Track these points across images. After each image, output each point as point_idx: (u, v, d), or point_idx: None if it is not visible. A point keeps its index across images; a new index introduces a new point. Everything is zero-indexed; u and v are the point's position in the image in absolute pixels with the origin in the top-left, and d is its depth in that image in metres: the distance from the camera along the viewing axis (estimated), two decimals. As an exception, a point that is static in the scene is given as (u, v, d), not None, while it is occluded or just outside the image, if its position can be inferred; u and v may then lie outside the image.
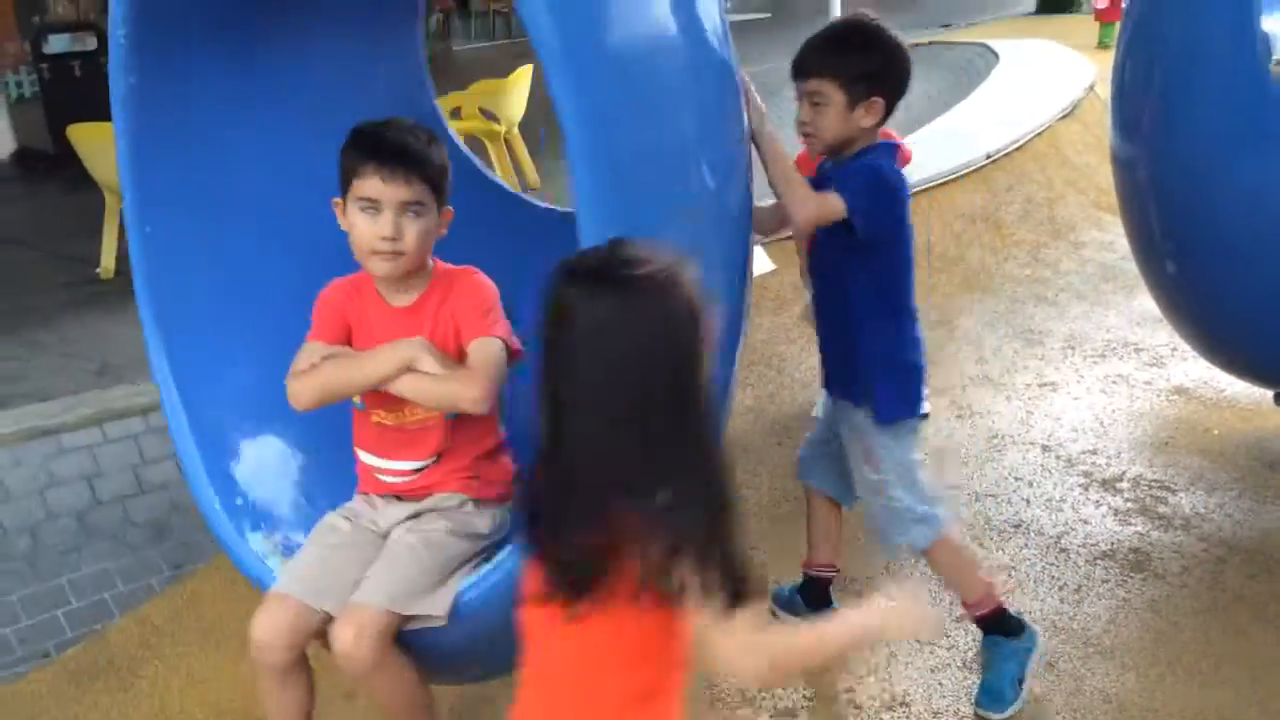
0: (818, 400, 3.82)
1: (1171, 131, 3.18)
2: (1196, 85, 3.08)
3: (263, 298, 2.27)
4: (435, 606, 1.92)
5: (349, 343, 2.04)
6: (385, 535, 2.06)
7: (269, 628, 1.93)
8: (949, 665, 2.69)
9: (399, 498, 2.10)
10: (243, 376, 2.17)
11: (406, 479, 2.09)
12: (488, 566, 1.98)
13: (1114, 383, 4.21)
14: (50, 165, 7.95)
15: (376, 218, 1.93)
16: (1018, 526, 3.26)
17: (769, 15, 12.81)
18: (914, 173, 5.99)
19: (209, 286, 2.23)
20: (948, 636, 2.78)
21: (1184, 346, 3.93)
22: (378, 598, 1.90)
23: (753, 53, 12.02)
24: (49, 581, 3.00)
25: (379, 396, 1.99)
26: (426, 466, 2.09)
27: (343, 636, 1.86)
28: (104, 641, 2.94)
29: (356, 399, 2.03)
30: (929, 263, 5.32)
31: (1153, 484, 3.45)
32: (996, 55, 9.86)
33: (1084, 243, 5.84)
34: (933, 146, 6.58)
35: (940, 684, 2.63)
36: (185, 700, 2.71)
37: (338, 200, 1.99)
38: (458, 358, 1.98)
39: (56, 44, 8.34)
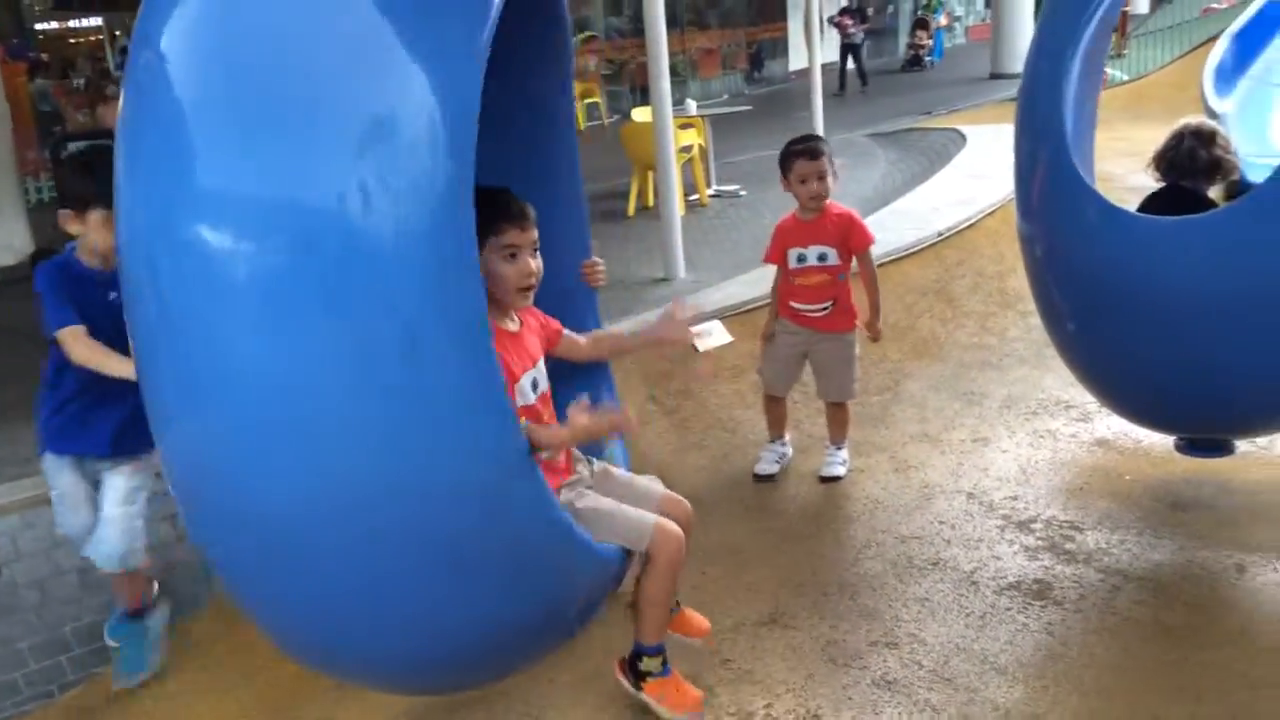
0: None
1: (1048, 211, 3.61)
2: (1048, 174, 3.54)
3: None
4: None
5: None
6: (591, 486, 2.80)
7: (677, 534, 2.71)
8: (860, 683, 2.98)
9: None
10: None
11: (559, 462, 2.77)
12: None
13: (1041, 436, 4.54)
14: (66, 265, 8.41)
15: (518, 263, 2.54)
16: (935, 564, 3.57)
17: (751, 108, 13.39)
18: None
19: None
20: (861, 658, 3.09)
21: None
22: (658, 485, 2.94)
23: (736, 143, 12.53)
24: (54, 631, 3.33)
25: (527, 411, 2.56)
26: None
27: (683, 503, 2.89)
28: (103, 683, 3.26)
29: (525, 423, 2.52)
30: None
31: (1064, 524, 3.76)
32: (965, 139, 10.35)
33: (1031, 311, 6.13)
34: (890, 225, 7.00)
35: (850, 699, 2.92)
36: (176, 731, 3.03)
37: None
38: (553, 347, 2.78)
39: (74, 151, 8.89)
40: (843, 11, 20.13)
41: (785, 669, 3.09)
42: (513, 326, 2.62)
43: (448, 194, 1.97)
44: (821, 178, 4.15)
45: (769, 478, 4.34)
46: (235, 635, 3.40)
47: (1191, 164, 3.54)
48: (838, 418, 4.36)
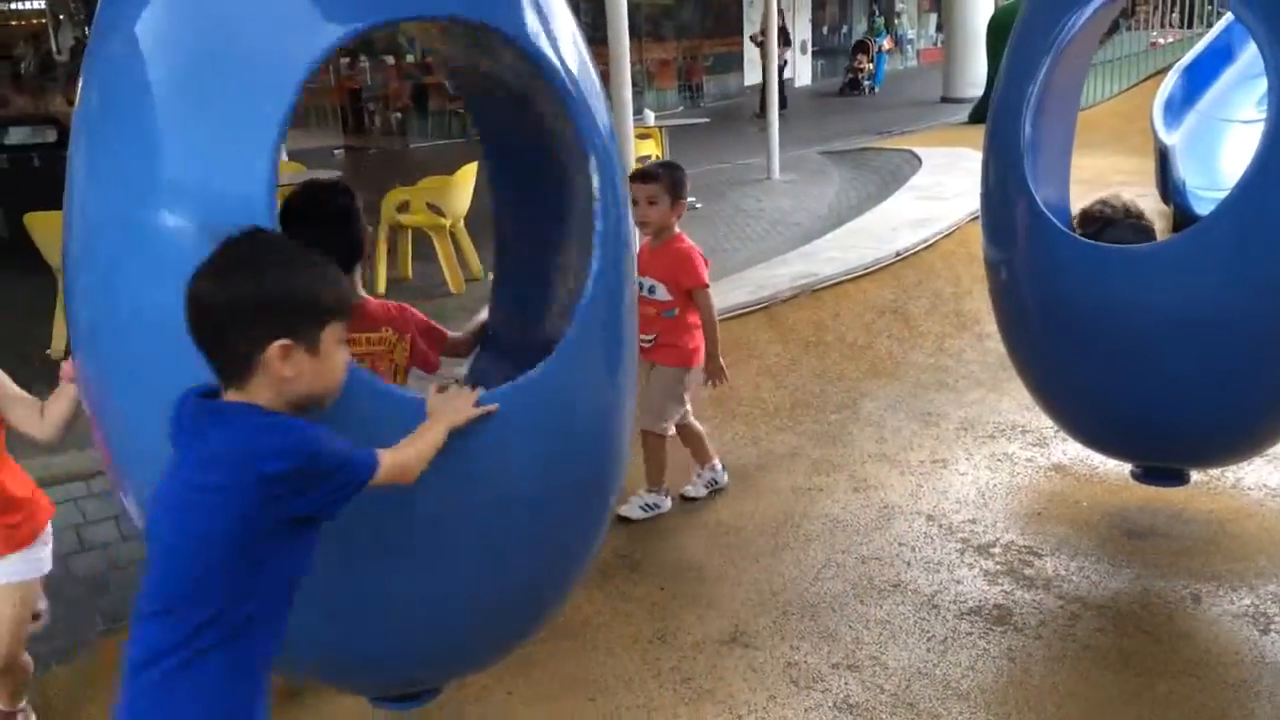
0: None
1: (1010, 237, 3.63)
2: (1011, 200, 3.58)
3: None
4: None
5: None
6: None
7: None
8: (821, 706, 2.96)
9: None
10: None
11: None
12: None
13: (999, 460, 4.56)
14: (4, 251, 8.18)
15: None
16: (896, 586, 3.56)
17: (708, 120, 13.45)
18: (827, 267, 6.44)
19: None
20: (823, 680, 3.06)
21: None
22: None
23: (698, 154, 12.56)
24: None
25: None
26: None
27: None
28: (40, 689, 3.11)
29: None
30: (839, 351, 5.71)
31: (1022, 549, 3.78)
32: (920, 161, 10.47)
33: (988, 334, 6.22)
34: (848, 243, 7.04)
35: (812, 722, 2.90)
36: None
37: None
38: None
39: (16, 135, 8.66)
40: (764, 31, 20.13)
41: (747, 689, 3.06)
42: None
43: None
44: (652, 202, 3.91)
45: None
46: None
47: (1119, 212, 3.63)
48: (686, 442, 4.30)
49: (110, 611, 3.37)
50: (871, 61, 22.98)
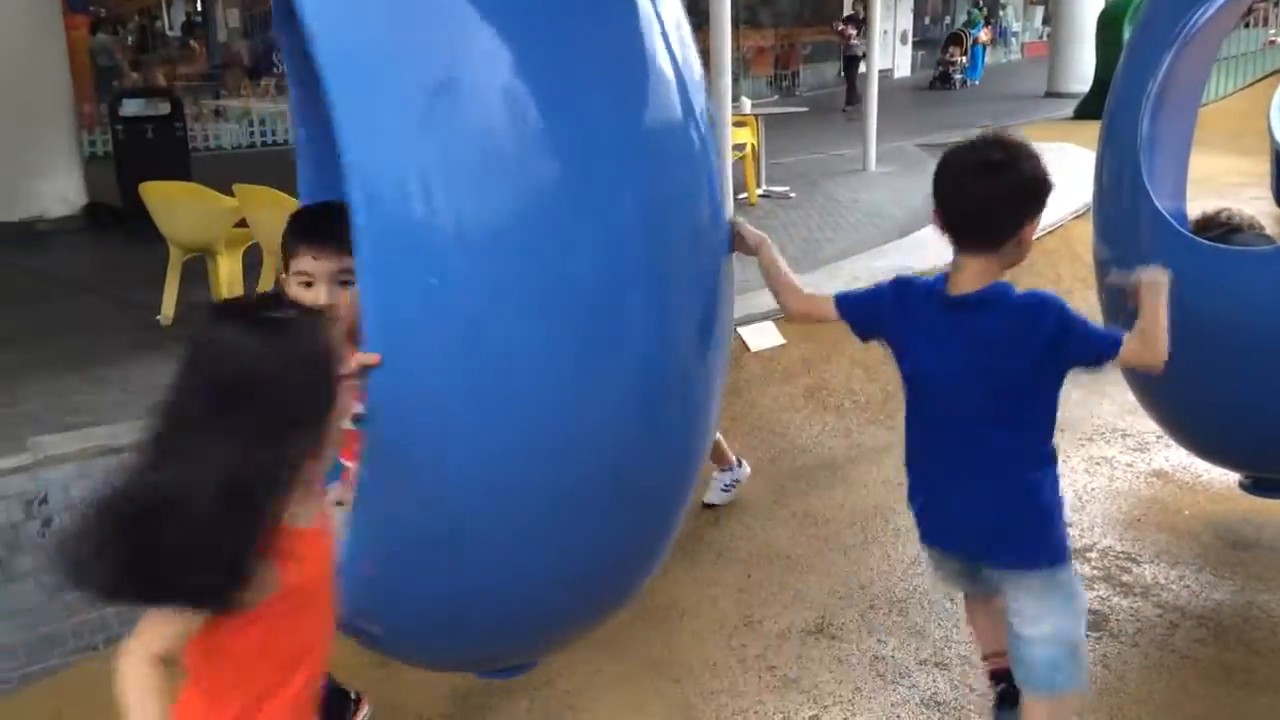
0: None
1: (1125, 238, 3.52)
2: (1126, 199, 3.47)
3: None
4: None
5: None
6: None
7: None
8: (908, 702, 2.94)
9: None
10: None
11: None
12: None
13: (1097, 464, 4.47)
14: (118, 219, 8.48)
15: (310, 291, 2.18)
16: (988, 586, 3.51)
17: (805, 109, 13.33)
18: (923, 260, 6.34)
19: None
20: (909, 676, 3.04)
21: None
22: None
23: (792, 144, 12.51)
24: (102, 584, 3.32)
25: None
26: None
27: None
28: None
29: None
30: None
31: (1120, 555, 3.70)
32: (1022, 156, 10.23)
33: (1087, 336, 6.11)
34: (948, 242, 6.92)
35: (899, 717, 2.88)
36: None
37: (281, 276, 2.29)
38: None
39: (131, 107, 8.94)
40: (846, 20, 18.96)
41: (832, 680, 3.05)
42: None
43: None
44: None
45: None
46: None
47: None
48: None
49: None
50: (965, 54, 22.07)
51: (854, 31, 17.89)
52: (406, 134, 1.87)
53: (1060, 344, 2.21)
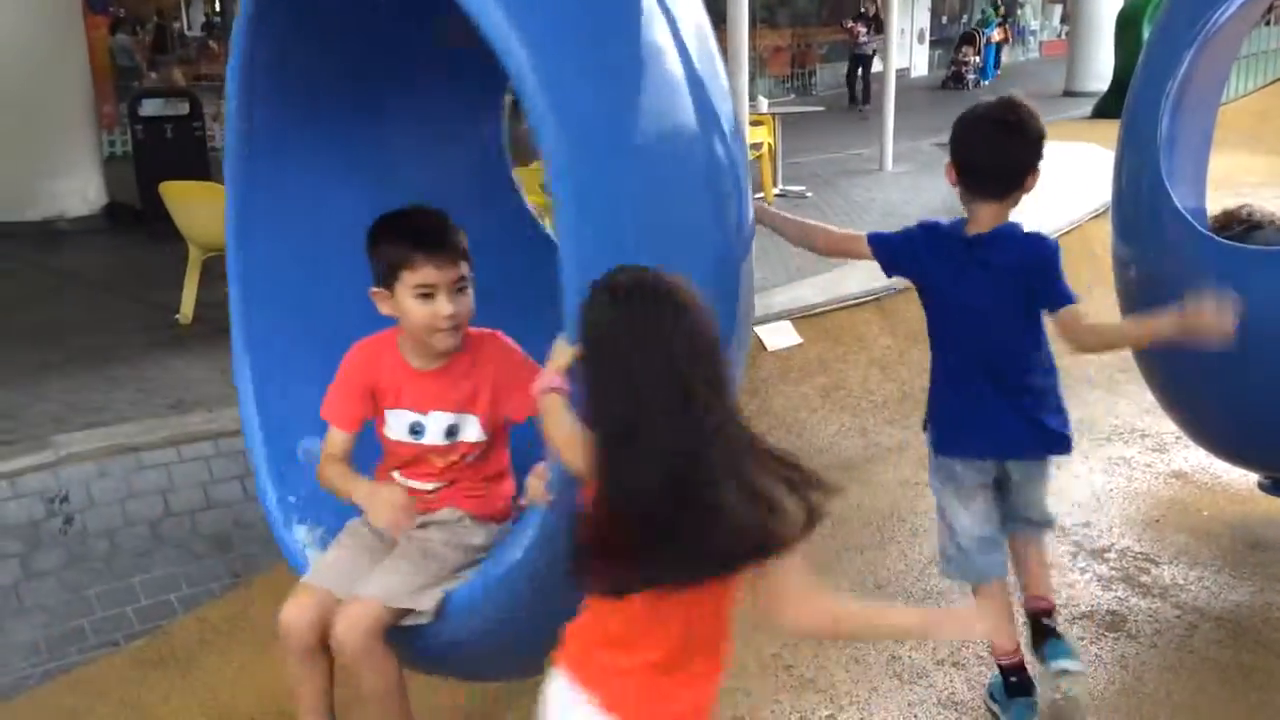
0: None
1: (1145, 236, 3.50)
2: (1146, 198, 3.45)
3: (333, 333, 2.62)
4: (423, 603, 2.18)
5: (373, 401, 2.32)
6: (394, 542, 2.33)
7: (296, 613, 2.23)
8: (925, 702, 2.94)
9: None
10: (307, 393, 2.49)
11: (424, 496, 2.38)
12: (474, 573, 2.24)
13: (1116, 464, 4.45)
14: (137, 218, 8.52)
15: (433, 302, 2.21)
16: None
17: (823, 109, 13.32)
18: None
19: (292, 317, 2.59)
20: (926, 676, 3.04)
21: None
22: (373, 590, 2.18)
23: (809, 143, 12.49)
24: (123, 580, 3.35)
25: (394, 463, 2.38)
26: (440, 488, 2.40)
27: (340, 623, 2.15)
28: (167, 635, 3.28)
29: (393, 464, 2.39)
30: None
31: (1138, 556, 3.68)
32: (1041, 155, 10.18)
33: (1105, 336, 6.08)
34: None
35: (915, 717, 2.88)
36: (235, 688, 3.05)
37: (378, 290, 2.25)
38: (486, 413, 2.32)
39: (150, 107, 8.98)
40: (855, 18, 18.32)
41: (849, 680, 3.05)
42: (429, 365, 2.32)
43: None
44: None
45: None
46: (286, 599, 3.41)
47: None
48: None
49: (234, 567, 3.51)
50: (979, 54, 21.62)
51: (863, 29, 17.56)
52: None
53: (1039, 272, 2.59)
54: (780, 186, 9.68)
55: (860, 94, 17.48)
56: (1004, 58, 24.03)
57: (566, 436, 1.75)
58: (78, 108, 8.77)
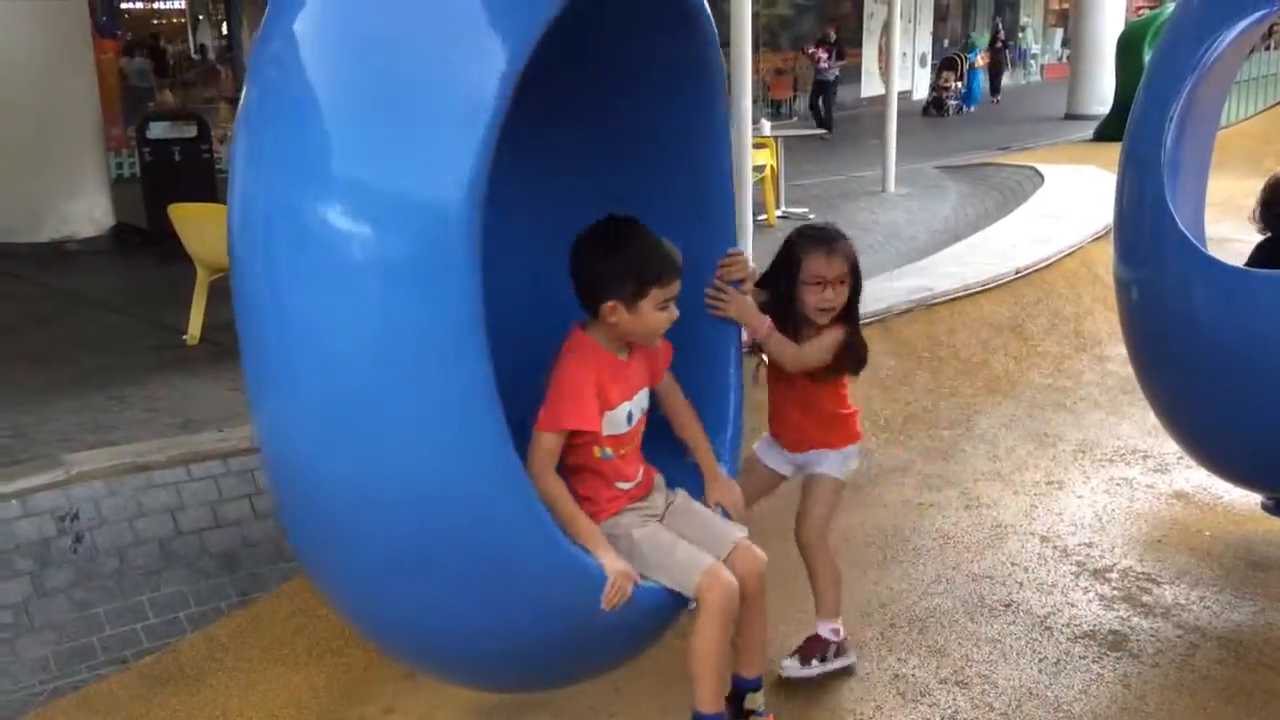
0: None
1: (1146, 258, 3.55)
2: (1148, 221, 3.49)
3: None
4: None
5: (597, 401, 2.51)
6: (660, 518, 2.66)
7: (729, 583, 2.53)
8: (929, 720, 2.96)
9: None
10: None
11: (633, 487, 2.66)
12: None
13: (1118, 485, 4.47)
14: (145, 240, 8.58)
15: (668, 310, 2.53)
16: (1008, 605, 3.52)
17: (825, 132, 13.39)
18: (943, 282, 6.37)
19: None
20: (930, 695, 3.05)
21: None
22: (738, 532, 2.70)
23: (811, 166, 12.55)
24: (132, 598, 3.37)
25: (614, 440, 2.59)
26: (638, 481, 2.69)
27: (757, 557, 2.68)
28: (176, 653, 3.30)
29: (607, 450, 2.57)
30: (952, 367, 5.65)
31: (1140, 576, 3.70)
32: (1043, 178, 10.25)
33: (1108, 356, 6.11)
34: (965, 259, 6.95)
35: (920, 735, 2.90)
36: (244, 705, 3.07)
37: (613, 304, 2.47)
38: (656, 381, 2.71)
39: (158, 130, 9.06)
40: (817, 43, 18.01)
41: (852, 699, 3.07)
42: (623, 355, 2.59)
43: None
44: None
45: None
46: (303, 617, 3.44)
47: None
48: None
49: (242, 586, 3.54)
50: (961, 80, 21.03)
51: (824, 55, 17.26)
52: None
53: None
54: (783, 208, 9.74)
55: (825, 122, 17.11)
56: (1005, 80, 23.96)
57: (797, 355, 2.95)
58: (86, 130, 8.85)
